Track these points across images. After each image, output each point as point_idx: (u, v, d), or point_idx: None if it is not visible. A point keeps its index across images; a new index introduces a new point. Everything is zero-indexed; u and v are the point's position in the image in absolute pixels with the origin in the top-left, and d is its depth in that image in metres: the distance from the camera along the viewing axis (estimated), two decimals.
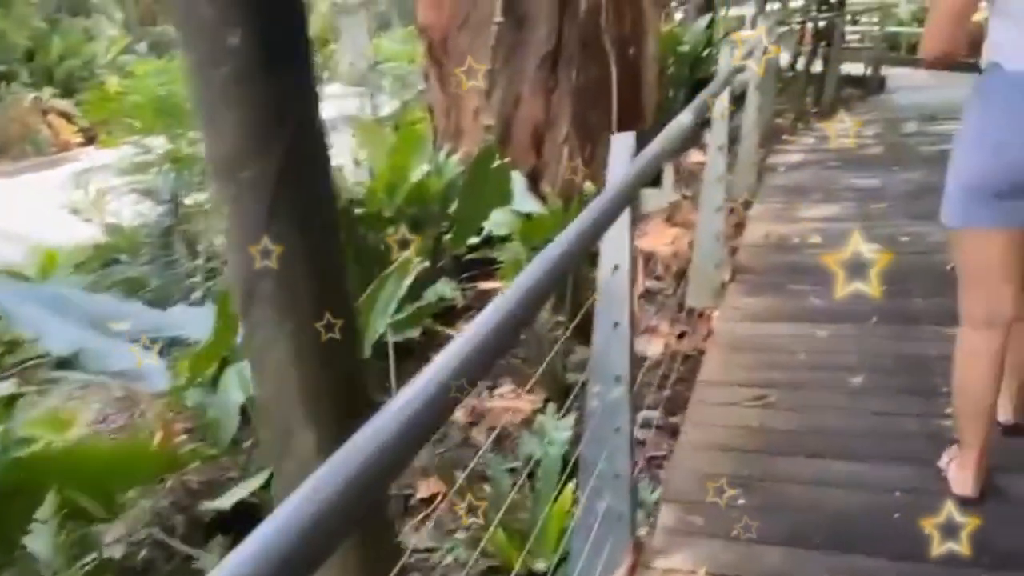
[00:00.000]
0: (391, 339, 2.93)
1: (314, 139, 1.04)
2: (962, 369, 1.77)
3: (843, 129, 7.10)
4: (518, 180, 4.18)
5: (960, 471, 1.82)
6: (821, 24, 9.05)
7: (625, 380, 1.73)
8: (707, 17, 7.75)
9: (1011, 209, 1.61)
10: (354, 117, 5.86)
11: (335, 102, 8.76)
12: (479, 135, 5.55)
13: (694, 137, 5.43)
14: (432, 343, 3.52)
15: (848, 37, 10.87)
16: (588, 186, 5.48)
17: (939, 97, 8.75)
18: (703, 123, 3.15)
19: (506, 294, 0.96)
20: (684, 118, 2.19)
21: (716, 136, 3.04)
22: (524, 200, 4.13)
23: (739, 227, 4.72)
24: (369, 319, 2.70)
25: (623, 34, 5.27)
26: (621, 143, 1.65)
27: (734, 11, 12.97)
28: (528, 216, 4.43)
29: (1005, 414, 1.97)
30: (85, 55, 15.18)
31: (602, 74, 5.29)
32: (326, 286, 1.06)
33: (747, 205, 4.94)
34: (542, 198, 5.63)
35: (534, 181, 5.66)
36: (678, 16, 9.89)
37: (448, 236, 3.85)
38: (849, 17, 11.51)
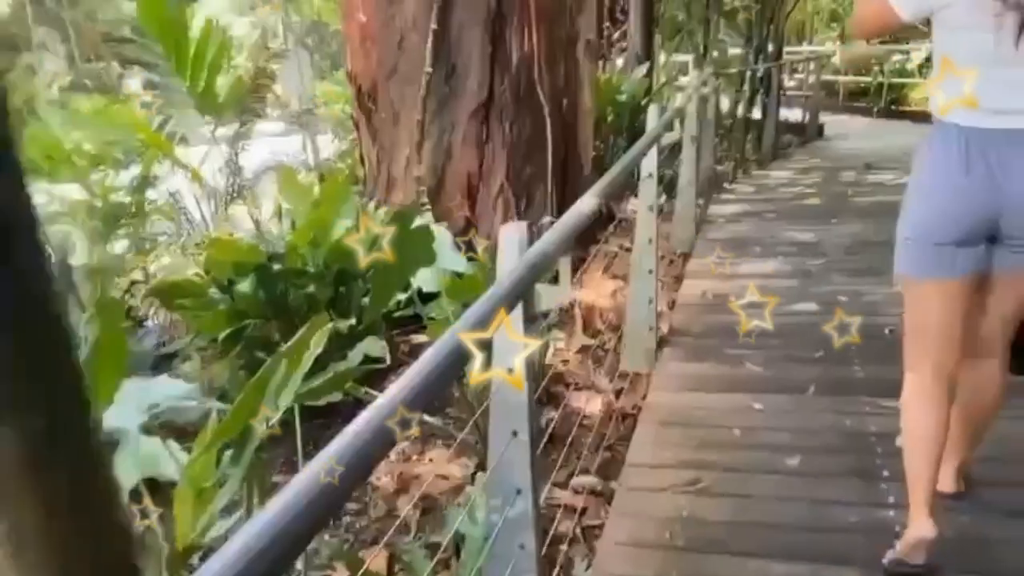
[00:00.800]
0: (299, 409, 2.67)
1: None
2: (910, 416, 1.77)
3: (782, 178, 7.18)
4: (444, 237, 3.99)
5: (911, 538, 1.77)
6: (760, 73, 9.26)
7: (528, 493, 1.52)
8: (646, 65, 7.82)
9: (959, 259, 1.63)
10: (280, 165, 5.62)
11: (274, 142, 8.53)
12: (412, 186, 5.39)
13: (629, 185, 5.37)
14: (360, 404, 3.28)
15: (787, 83, 11.20)
16: None
17: (876, 145, 9.03)
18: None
19: (398, 384, 0.96)
20: (585, 204, 1.98)
21: (644, 197, 2.92)
22: (450, 258, 3.94)
23: (678, 280, 4.63)
24: (278, 390, 2.45)
25: (557, 86, 5.20)
26: (511, 235, 1.47)
27: (678, 57, 13.30)
28: (458, 274, 4.25)
29: (949, 485, 1.97)
30: (24, 92, 14.59)
31: (537, 126, 5.19)
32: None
33: (686, 258, 4.87)
34: (475, 252, 5.47)
35: (468, 233, 5.50)
36: (619, 62, 10.03)
37: (371, 295, 3.63)
38: (787, 63, 11.88)
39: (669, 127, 3.04)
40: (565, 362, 3.95)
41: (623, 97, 6.94)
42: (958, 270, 1.64)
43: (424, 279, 4.19)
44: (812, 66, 11.03)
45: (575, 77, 5.31)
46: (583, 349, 4.04)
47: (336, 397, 3.30)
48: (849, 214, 5.08)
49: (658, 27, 13.03)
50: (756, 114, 9.64)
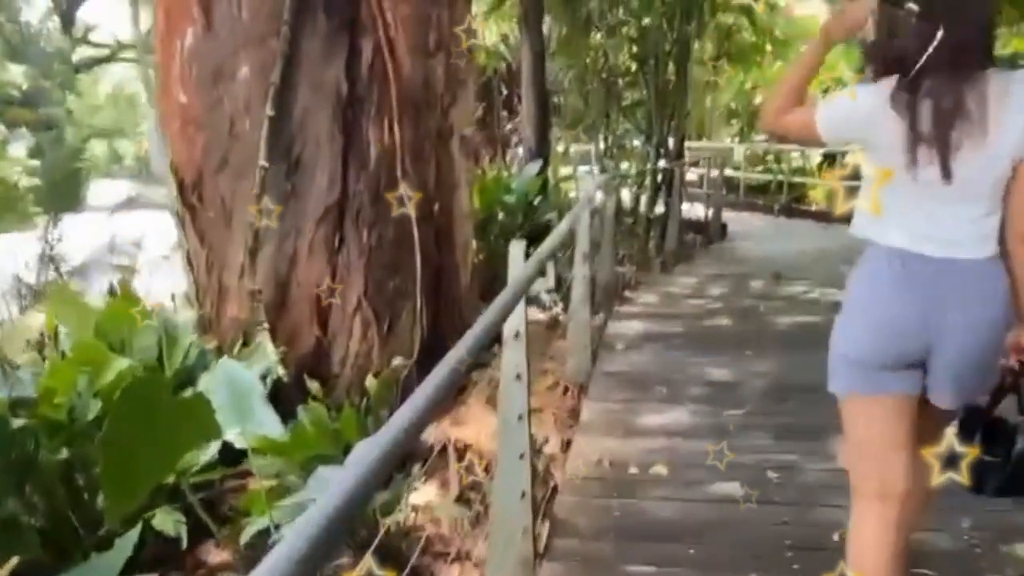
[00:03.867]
0: None
1: None
2: (856, 545, 1.72)
3: (687, 287, 6.71)
4: (254, 390, 3.06)
5: None
6: (661, 170, 9.03)
7: None
8: (539, 163, 7.33)
9: (893, 378, 1.64)
10: (52, 283, 4.59)
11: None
12: (248, 299, 4.45)
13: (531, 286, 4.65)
14: None
15: (688, 176, 11.13)
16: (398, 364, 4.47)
17: (782, 249, 8.88)
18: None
19: None
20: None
21: (508, 366, 2.14)
22: (260, 414, 3.00)
23: (573, 415, 3.89)
24: None
25: (427, 185, 4.49)
26: None
27: (578, 147, 13.18)
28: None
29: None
30: None
31: (401, 232, 4.43)
32: None
33: (582, 391, 4.14)
34: (324, 382, 4.55)
35: (317, 361, 4.59)
36: (520, 151, 9.63)
37: (104, 495, 2.60)
38: (688, 159, 11.90)
39: (542, 269, 2.31)
40: (435, 522, 3.15)
41: (512, 198, 6.35)
42: (894, 388, 1.65)
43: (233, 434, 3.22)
44: (714, 163, 11.03)
45: (449, 176, 4.62)
46: (460, 497, 3.33)
47: None
48: (766, 341, 4.53)
49: (557, 115, 12.94)
50: (658, 207, 9.40)
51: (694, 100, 11.01)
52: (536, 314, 6.68)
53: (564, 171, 11.42)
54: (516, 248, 2.26)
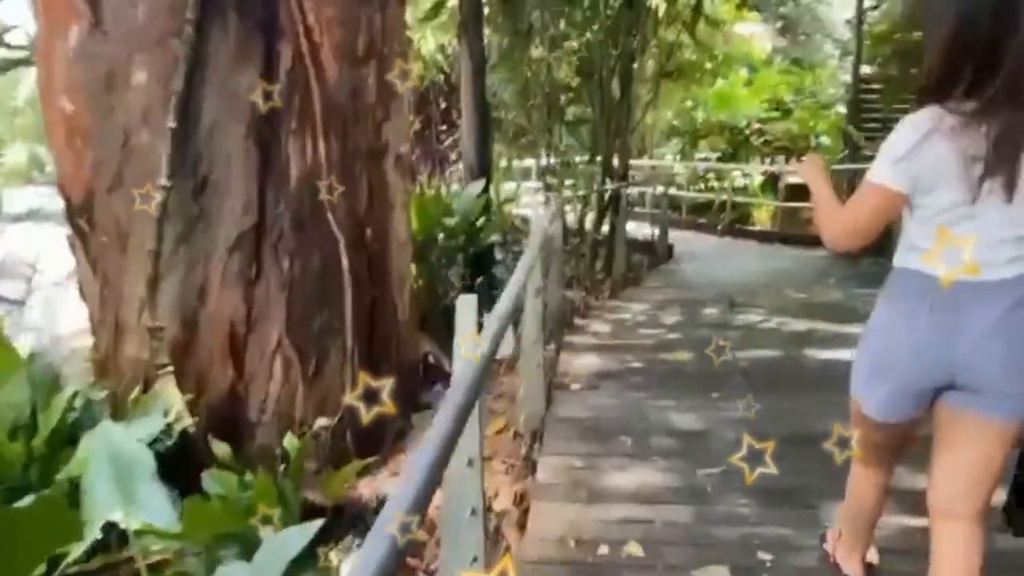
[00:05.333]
0: None
1: None
2: (853, 489, 2.09)
3: (639, 314, 6.39)
4: (139, 463, 2.51)
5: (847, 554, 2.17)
6: (607, 192, 8.77)
7: None
8: (481, 182, 6.92)
9: (912, 403, 1.74)
10: None
11: None
12: (147, 338, 3.88)
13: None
14: None
15: (631, 193, 10.92)
16: (321, 421, 3.97)
17: (730, 272, 8.71)
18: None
19: None
20: None
21: (457, 500, 1.69)
22: (147, 496, 2.46)
23: (529, 464, 3.48)
24: None
25: (357, 209, 4.02)
26: None
27: (521, 162, 12.84)
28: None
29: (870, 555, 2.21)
30: None
31: (329, 261, 3.95)
32: None
33: (535, 438, 3.73)
34: (240, 431, 4.01)
35: (232, 407, 4.04)
36: (457, 166, 9.20)
37: None
38: (633, 178, 11.72)
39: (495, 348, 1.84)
40: None
41: (453, 220, 5.92)
42: (908, 413, 1.77)
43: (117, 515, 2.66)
44: (657, 181, 10.87)
45: (383, 198, 4.17)
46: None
47: None
48: (731, 381, 4.21)
49: (499, 130, 12.59)
50: (603, 226, 9.13)
51: (641, 117, 10.82)
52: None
53: (507, 187, 11.07)
54: (465, 308, 1.79)
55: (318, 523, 2.20)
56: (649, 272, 9.00)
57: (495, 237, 6.83)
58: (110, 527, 2.69)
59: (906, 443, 1.95)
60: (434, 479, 1.20)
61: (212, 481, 2.89)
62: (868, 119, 12.02)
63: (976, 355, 1.60)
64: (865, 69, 12.35)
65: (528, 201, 11.19)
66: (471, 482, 1.75)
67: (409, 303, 4.83)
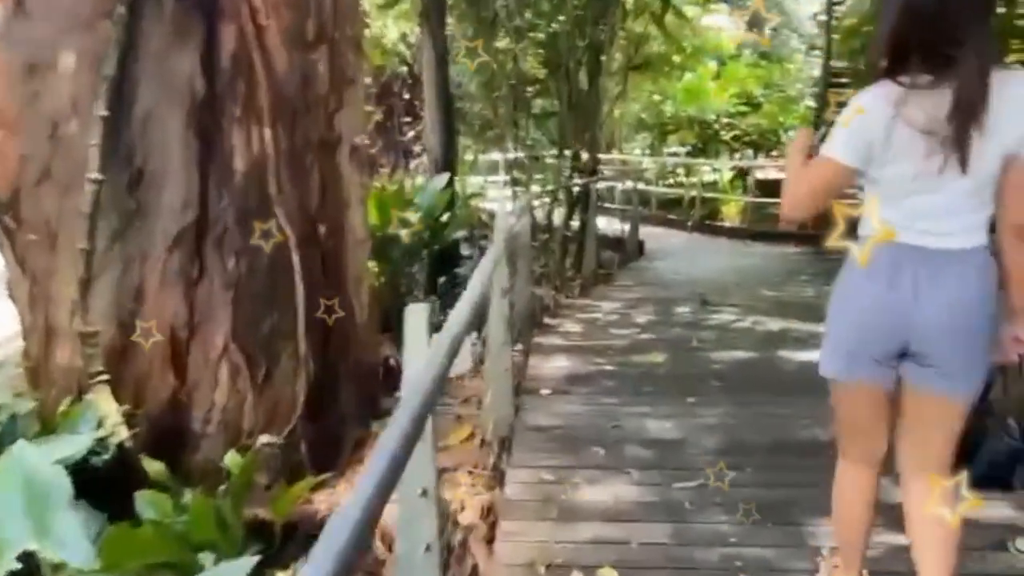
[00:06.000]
0: None
1: None
2: (839, 499, 1.97)
3: (611, 313, 6.24)
4: (56, 490, 2.26)
5: None
6: (576, 187, 8.61)
7: None
8: (445, 176, 6.69)
9: (878, 367, 1.76)
10: None
11: None
12: (79, 342, 3.60)
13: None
14: None
15: (602, 191, 10.78)
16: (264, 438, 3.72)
17: (702, 269, 8.60)
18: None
19: None
20: None
21: (409, 544, 1.47)
22: (63, 530, 2.20)
23: (497, 476, 3.30)
24: None
25: (308, 204, 3.78)
26: None
27: (487, 155, 12.62)
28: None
29: None
30: None
31: (278, 259, 3.70)
32: None
33: (503, 445, 3.55)
34: (183, 445, 3.75)
35: (175, 419, 3.77)
36: (422, 159, 8.96)
37: None
38: (603, 173, 11.59)
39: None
40: None
41: (415, 215, 5.69)
42: (878, 375, 1.77)
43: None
44: (626, 176, 10.75)
45: (337, 192, 3.93)
46: None
47: None
48: (707, 385, 4.06)
49: (465, 122, 12.35)
50: (573, 222, 8.98)
51: (610, 111, 10.68)
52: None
53: (475, 181, 10.85)
54: (415, 318, 1.57)
55: (254, 560, 1.98)
56: (620, 269, 8.87)
57: (461, 233, 6.61)
58: (28, 556, 2.44)
59: (889, 423, 1.85)
60: (372, 521, 0.99)
61: (145, 504, 2.64)
62: (837, 113, 12.02)
63: (930, 324, 1.65)
64: (834, 63, 12.36)
65: (496, 195, 11.00)
66: (425, 515, 1.55)
67: (368, 304, 4.59)
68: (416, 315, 1.55)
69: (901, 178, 1.64)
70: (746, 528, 2.53)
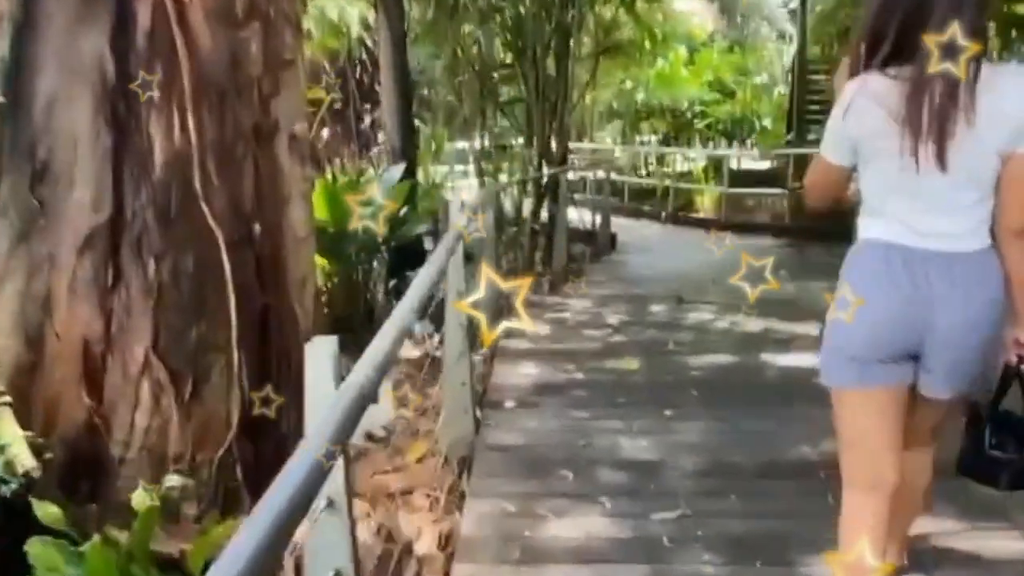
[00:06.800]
0: None
1: None
2: (847, 531, 1.81)
3: (581, 312, 5.96)
4: None
5: None
6: (545, 177, 8.31)
7: None
8: (401, 165, 6.33)
9: (886, 371, 1.69)
10: None
11: None
12: None
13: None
14: None
15: (572, 181, 10.50)
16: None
17: (676, 263, 8.34)
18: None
19: None
20: None
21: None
22: None
23: (455, 496, 3.02)
24: None
25: (241, 199, 3.42)
26: None
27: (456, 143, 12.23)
28: None
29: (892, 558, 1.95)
30: None
31: (207, 263, 3.34)
32: None
33: (463, 465, 3.26)
34: (100, 472, 3.40)
35: (91, 443, 3.40)
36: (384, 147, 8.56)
37: None
38: (573, 163, 11.31)
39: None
40: None
41: (369, 209, 5.33)
42: (887, 381, 1.70)
43: None
44: (598, 166, 10.48)
45: (274, 186, 3.56)
46: None
47: None
48: (685, 395, 3.78)
49: (428, 109, 11.96)
50: (542, 213, 8.69)
51: (579, 99, 10.38)
52: (405, 347, 5.71)
53: (442, 170, 10.50)
54: (317, 356, 1.23)
55: None
56: (591, 264, 8.59)
57: (423, 227, 6.26)
58: None
59: (899, 443, 1.76)
60: None
61: (35, 555, 2.28)
62: (813, 100, 11.88)
63: (944, 331, 1.61)
64: (809, 50, 12.21)
65: (464, 186, 10.66)
66: None
67: (314, 308, 4.24)
68: (320, 350, 1.22)
69: (887, 174, 1.61)
70: (733, 568, 2.25)
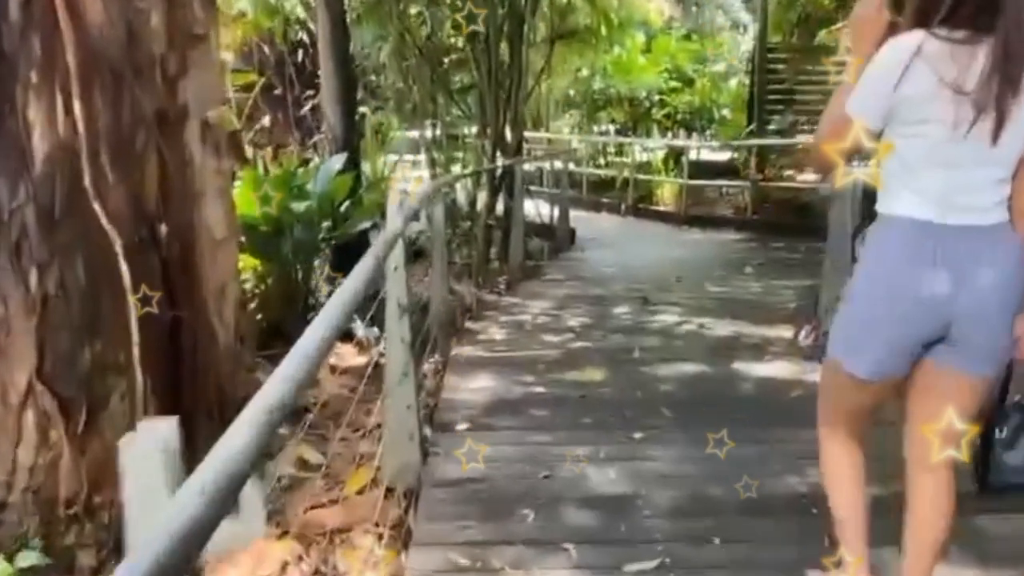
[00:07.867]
0: None
1: None
2: (834, 476, 1.89)
3: (540, 315, 5.62)
4: None
5: None
6: (499, 169, 7.95)
7: None
8: (342, 156, 5.88)
9: (902, 362, 1.69)
10: None
11: None
12: None
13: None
14: None
15: (529, 172, 10.17)
16: None
17: (639, 260, 8.04)
18: None
19: None
20: None
21: None
22: None
23: (399, 534, 2.69)
24: None
25: (143, 197, 2.97)
26: None
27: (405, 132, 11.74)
28: None
29: None
30: None
31: (100, 272, 2.88)
32: None
33: (408, 499, 2.92)
34: None
35: None
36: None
37: None
38: (530, 153, 10.98)
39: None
40: None
41: (303, 205, 4.89)
42: (897, 370, 1.70)
43: None
44: (558, 159, 10.17)
45: (183, 181, 3.12)
46: None
47: None
48: (654, 412, 3.45)
49: (376, 96, 11.46)
50: (498, 206, 8.33)
51: (534, 87, 10.03)
52: (347, 354, 5.28)
53: (389, 160, 10.03)
54: (138, 449, 0.88)
55: None
56: (550, 260, 8.30)
57: (368, 223, 5.83)
58: None
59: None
60: None
61: None
62: (773, 90, 11.74)
63: (973, 306, 1.58)
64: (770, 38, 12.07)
65: (411, 176, 10.21)
66: None
67: (242, 316, 3.81)
68: (143, 444, 0.84)
69: (932, 141, 1.54)
70: None
